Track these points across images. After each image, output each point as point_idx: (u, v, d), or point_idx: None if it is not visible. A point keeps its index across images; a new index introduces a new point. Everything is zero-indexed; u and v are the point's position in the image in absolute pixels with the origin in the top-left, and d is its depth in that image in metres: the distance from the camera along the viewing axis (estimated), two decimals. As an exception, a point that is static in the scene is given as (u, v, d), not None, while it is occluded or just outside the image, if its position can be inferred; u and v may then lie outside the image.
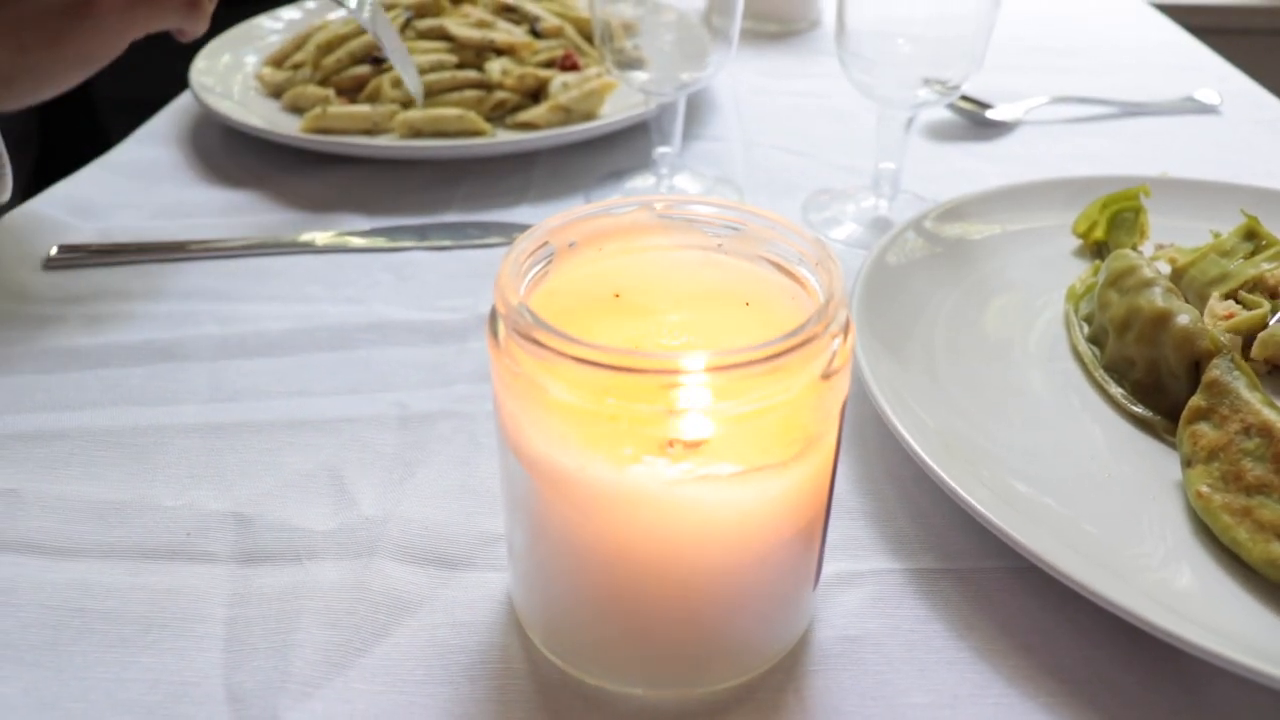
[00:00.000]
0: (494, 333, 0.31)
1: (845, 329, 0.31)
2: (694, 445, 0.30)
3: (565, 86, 0.77)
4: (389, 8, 0.86)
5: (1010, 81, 0.87)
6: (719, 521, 0.31)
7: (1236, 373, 0.43)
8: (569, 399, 0.29)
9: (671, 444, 0.29)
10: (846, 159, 0.74)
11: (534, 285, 0.33)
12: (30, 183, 0.94)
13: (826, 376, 0.30)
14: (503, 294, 0.30)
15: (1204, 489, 0.40)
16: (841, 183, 0.70)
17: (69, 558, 0.40)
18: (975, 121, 0.81)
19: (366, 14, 0.62)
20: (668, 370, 0.28)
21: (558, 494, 0.31)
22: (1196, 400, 0.43)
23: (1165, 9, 1.15)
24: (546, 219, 0.34)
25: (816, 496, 0.33)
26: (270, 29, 0.91)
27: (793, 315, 0.33)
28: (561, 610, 0.34)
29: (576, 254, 0.35)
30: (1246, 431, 0.40)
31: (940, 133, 0.80)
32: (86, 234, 0.64)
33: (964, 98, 0.81)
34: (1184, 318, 0.46)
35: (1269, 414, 0.40)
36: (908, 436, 0.41)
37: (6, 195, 0.54)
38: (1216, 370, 0.43)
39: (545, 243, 0.34)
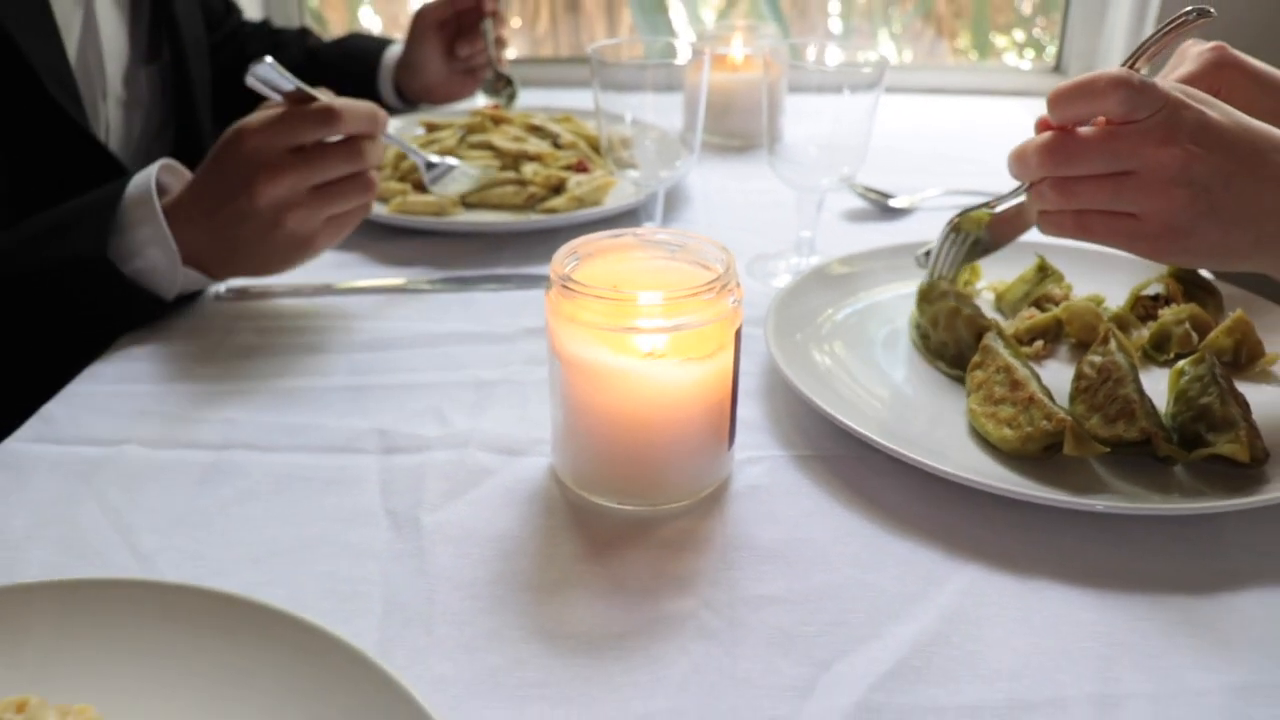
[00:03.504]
0: (549, 290, 0.58)
1: (736, 286, 0.57)
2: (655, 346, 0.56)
3: (579, 184, 1.05)
4: (445, 126, 1.15)
5: (912, 180, 1.15)
6: (668, 390, 0.57)
7: (998, 339, 0.69)
8: (587, 319, 0.55)
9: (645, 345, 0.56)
10: (781, 233, 1.01)
11: (569, 273, 0.60)
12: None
13: (726, 310, 0.56)
14: (555, 268, 0.57)
15: (974, 406, 0.66)
16: (775, 248, 0.97)
17: (275, 452, 0.66)
18: (881, 208, 1.09)
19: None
20: (639, 301, 0.55)
21: (580, 377, 0.57)
22: (975, 358, 0.69)
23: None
24: (574, 240, 0.61)
25: (724, 381, 0.58)
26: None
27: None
28: (578, 455, 0.60)
29: (590, 259, 0.61)
30: (998, 371, 0.66)
31: (855, 216, 1.08)
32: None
33: (871, 189, 1.10)
34: (969, 309, 0.72)
35: (1011, 360, 0.67)
36: (791, 376, 0.68)
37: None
38: (987, 339, 0.69)
39: (574, 251, 0.60)
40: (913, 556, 0.57)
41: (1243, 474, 0.60)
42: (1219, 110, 0.61)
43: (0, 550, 0.57)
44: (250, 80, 0.77)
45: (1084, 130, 0.62)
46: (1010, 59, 2.31)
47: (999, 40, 2.40)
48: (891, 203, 1.09)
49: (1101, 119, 0.62)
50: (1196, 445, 0.61)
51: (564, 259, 0.59)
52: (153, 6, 1.12)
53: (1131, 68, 0.65)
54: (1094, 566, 0.56)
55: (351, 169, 0.80)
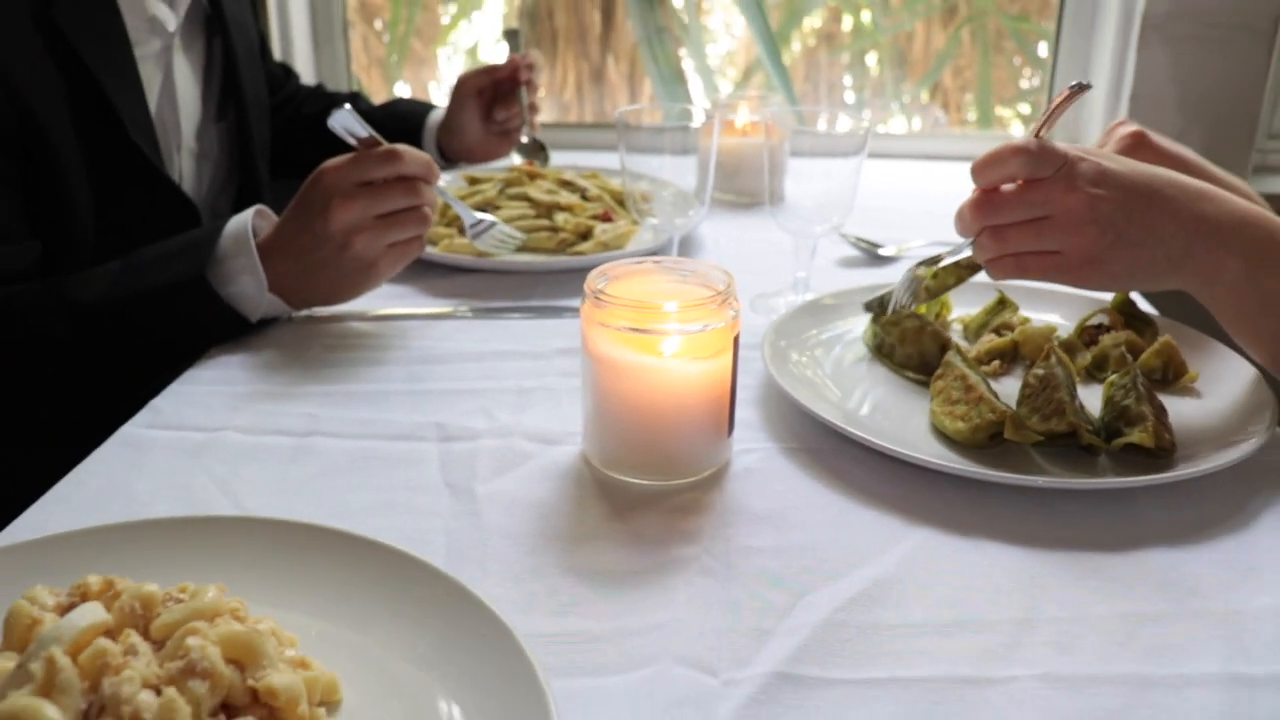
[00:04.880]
0: (584, 302, 0.71)
1: (735, 302, 0.71)
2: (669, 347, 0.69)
3: (604, 231, 1.19)
4: (486, 180, 1.30)
5: (901, 233, 1.29)
6: (678, 384, 0.70)
7: (956, 355, 0.82)
8: (614, 325, 0.69)
9: (658, 346, 0.69)
10: (781, 275, 1.14)
11: (601, 289, 0.73)
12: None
13: (727, 319, 0.70)
14: (589, 285, 0.71)
15: (935, 408, 0.79)
16: (775, 288, 1.11)
17: (349, 439, 0.79)
18: (871, 255, 1.23)
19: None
20: (658, 310, 0.68)
21: (607, 372, 0.70)
22: (939, 370, 0.82)
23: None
24: (604, 265, 0.74)
25: (724, 377, 0.71)
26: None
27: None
28: (604, 439, 0.73)
29: (617, 280, 0.75)
30: (955, 380, 0.79)
31: (847, 263, 1.21)
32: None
33: (863, 240, 1.24)
34: (930, 327, 0.86)
35: (967, 371, 0.79)
36: (783, 383, 0.81)
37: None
38: (948, 356, 0.82)
39: (604, 273, 0.74)
40: (877, 522, 0.69)
41: (1154, 461, 0.72)
42: (1114, 160, 0.75)
43: (131, 505, 0.70)
44: (331, 123, 0.92)
45: (1005, 187, 0.76)
46: (1017, 129, 2.47)
47: (1004, 112, 2.57)
48: (880, 251, 1.23)
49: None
50: (1116, 438, 0.74)
51: (596, 278, 0.73)
52: (222, 72, 1.28)
53: (1038, 134, 0.78)
54: (1027, 531, 0.68)
55: (410, 202, 0.94)
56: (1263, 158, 1.78)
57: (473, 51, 2.63)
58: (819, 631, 0.58)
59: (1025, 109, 2.47)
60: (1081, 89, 0.78)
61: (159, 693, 0.44)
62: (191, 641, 0.45)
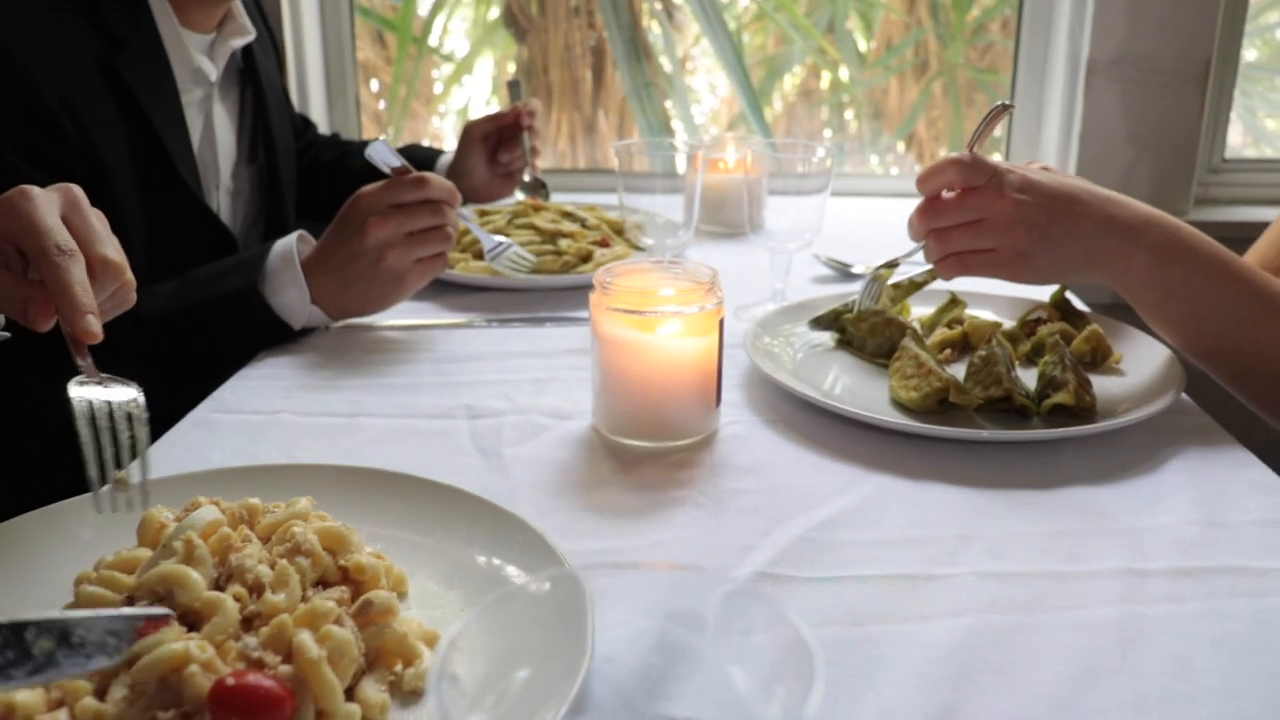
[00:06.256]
0: (593, 291, 0.84)
1: (719, 290, 0.84)
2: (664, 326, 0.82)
3: (602, 254, 1.33)
4: (496, 213, 1.44)
5: (871, 255, 1.43)
6: (673, 359, 0.83)
7: (911, 340, 0.95)
8: (620, 308, 0.82)
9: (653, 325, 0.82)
10: (761, 290, 1.28)
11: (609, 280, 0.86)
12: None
13: (712, 304, 0.83)
14: (598, 278, 0.84)
15: (893, 383, 0.92)
16: (756, 299, 1.24)
17: (391, 418, 0.91)
18: (842, 273, 1.36)
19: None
20: (656, 295, 0.81)
21: (613, 350, 0.83)
22: (896, 353, 0.95)
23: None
24: (609, 264, 0.88)
25: (711, 354, 0.84)
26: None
27: (703, 290, 0.86)
28: (610, 408, 0.86)
29: (621, 275, 0.88)
30: (910, 359, 0.92)
31: (822, 280, 1.35)
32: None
33: (835, 260, 1.37)
34: (895, 320, 0.99)
35: (920, 353, 0.92)
36: (762, 365, 0.94)
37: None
38: (904, 339, 0.96)
39: (610, 270, 0.87)
40: (843, 471, 0.82)
41: (1078, 420, 0.85)
42: (1037, 172, 0.89)
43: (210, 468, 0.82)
44: (369, 153, 1.06)
45: (945, 194, 0.90)
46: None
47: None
48: (852, 270, 1.37)
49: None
50: (1046, 402, 0.87)
51: (604, 274, 0.86)
52: (254, 119, 1.42)
53: (971, 149, 0.93)
54: (968, 475, 0.81)
55: (436, 222, 1.08)
56: (1204, 190, 1.94)
57: (463, 111, 2.79)
58: (794, 545, 0.71)
59: (998, 157, 2.64)
60: (1005, 109, 0.92)
61: (272, 568, 0.56)
62: (296, 529, 0.57)
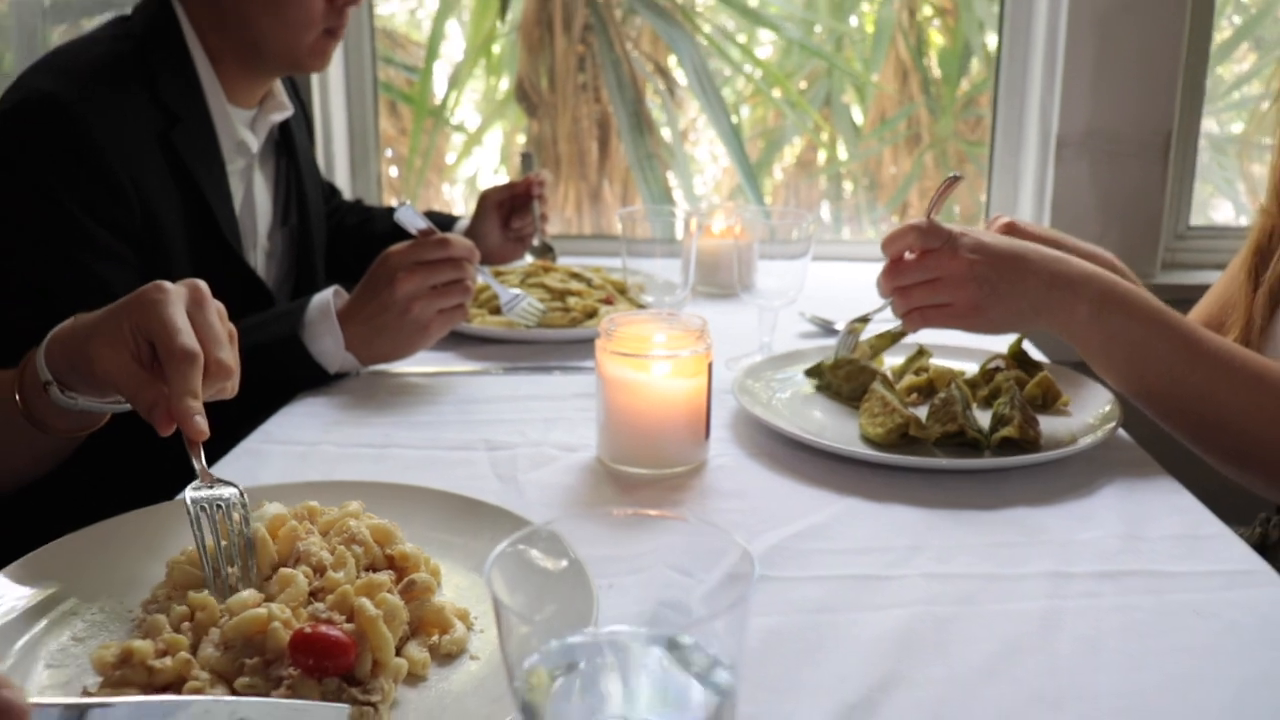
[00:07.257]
0: (598, 338, 0.97)
1: (709, 337, 0.96)
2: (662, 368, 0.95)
3: (607, 310, 1.46)
4: (509, 272, 1.58)
5: (851, 312, 1.56)
6: (667, 396, 0.95)
7: (881, 385, 1.07)
8: (622, 352, 0.94)
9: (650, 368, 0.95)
10: (750, 345, 1.40)
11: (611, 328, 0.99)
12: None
13: (702, 349, 0.95)
14: (603, 325, 0.96)
15: (862, 421, 1.04)
16: (745, 352, 1.37)
17: (418, 449, 1.03)
18: (826, 329, 1.49)
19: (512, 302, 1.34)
20: (653, 340, 0.94)
21: (615, 389, 0.96)
22: (866, 396, 1.07)
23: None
24: (612, 314, 1.00)
25: (701, 392, 0.97)
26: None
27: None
28: (613, 439, 0.98)
29: (623, 325, 1.00)
30: (878, 401, 1.04)
31: (806, 336, 1.48)
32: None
33: (819, 318, 1.50)
34: (867, 367, 1.11)
35: (885, 394, 1.05)
36: (748, 406, 1.06)
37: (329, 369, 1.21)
38: (874, 384, 1.08)
39: (614, 320, 1.00)
40: (816, 494, 0.93)
41: (1023, 451, 0.97)
42: (988, 236, 1.02)
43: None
44: (397, 216, 1.21)
45: (908, 257, 1.03)
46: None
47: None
48: (835, 327, 1.49)
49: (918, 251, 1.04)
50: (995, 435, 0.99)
51: (608, 322, 0.98)
52: (288, 186, 1.57)
53: (929, 215, 1.06)
54: (924, 498, 0.92)
55: (457, 275, 1.21)
56: (1171, 255, 2.07)
57: (472, 180, 2.96)
58: (769, 551, 0.82)
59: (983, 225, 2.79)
60: (956, 180, 1.06)
61: (331, 555, 0.68)
62: (351, 523, 0.69)
